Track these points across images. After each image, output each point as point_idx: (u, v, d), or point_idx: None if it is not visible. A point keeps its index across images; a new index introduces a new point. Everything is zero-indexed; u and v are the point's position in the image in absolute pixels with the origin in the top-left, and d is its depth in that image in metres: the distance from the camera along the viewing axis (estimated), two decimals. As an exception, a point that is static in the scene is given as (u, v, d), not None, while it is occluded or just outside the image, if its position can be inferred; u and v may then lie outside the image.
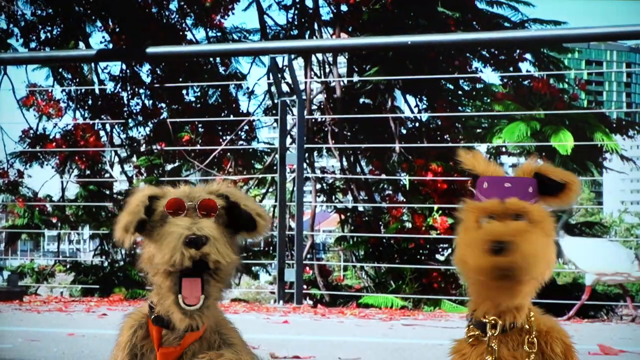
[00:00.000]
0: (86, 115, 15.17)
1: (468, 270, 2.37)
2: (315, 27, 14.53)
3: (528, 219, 2.37)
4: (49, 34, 14.94)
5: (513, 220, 2.36)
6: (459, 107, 14.44)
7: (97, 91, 15.18)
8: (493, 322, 2.42)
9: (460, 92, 14.46)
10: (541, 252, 2.34)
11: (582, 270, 7.72)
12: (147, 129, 15.28)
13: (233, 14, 15.04)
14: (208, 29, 15.17)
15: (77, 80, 15.17)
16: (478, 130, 13.40)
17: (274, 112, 13.77)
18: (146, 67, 15.22)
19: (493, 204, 2.40)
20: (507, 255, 2.28)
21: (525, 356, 2.42)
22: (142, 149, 14.96)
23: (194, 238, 2.34)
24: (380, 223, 13.82)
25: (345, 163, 14.51)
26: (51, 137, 14.53)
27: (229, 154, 14.45)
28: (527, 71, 14.27)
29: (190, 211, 2.46)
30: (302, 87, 12.39)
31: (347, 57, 14.54)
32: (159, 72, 15.19)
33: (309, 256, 13.29)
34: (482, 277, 2.33)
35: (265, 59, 13.37)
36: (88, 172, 14.64)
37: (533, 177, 2.45)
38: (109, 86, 15.29)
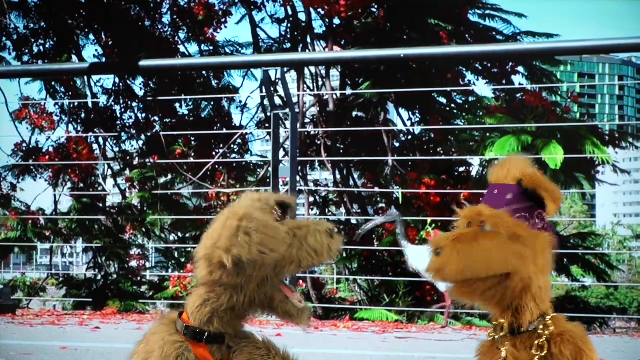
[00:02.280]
0: (79, 128, 15.17)
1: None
2: (308, 40, 14.54)
3: (492, 226, 2.48)
4: (42, 47, 14.94)
5: (477, 226, 2.49)
6: (452, 120, 14.46)
7: (90, 104, 15.18)
8: (498, 324, 2.52)
9: (453, 105, 14.49)
10: (477, 255, 2.44)
11: (427, 277, 7.84)
12: (140, 142, 15.29)
13: (226, 27, 15.08)
14: (201, 43, 15.19)
15: (70, 93, 15.17)
16: (471, 144, 13.41)
17: (266, 125, 13.77)
18: (139, 80, 15.24)
19: (471, 211, 2.56)
20: (438, 258, 2.46)
21: (531, 358, 2.45)
22: (135, 162, 14.95)
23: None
24: (374, 236, 13.81)
25: (338, 176, 14.52)
26: (44, 150, 14.52)
27: (221, 167, 14.45)
28: (520, 84, 14.30)
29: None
30: (295, 100, 12.40)
31: (340, 70, 14.55)
32: (152, 85, 15.20)
33: (302, 269, 13.26)
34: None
35: (258, 72, 13.40)
36: (81, 185, 14.63)
37: (517, 184, 2.50)
38: (102, 99, 15.31)
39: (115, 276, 14.14)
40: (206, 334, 2.51)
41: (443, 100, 14.46)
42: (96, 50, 15.22)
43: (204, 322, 2.52)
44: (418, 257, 7.79)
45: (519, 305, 2.47)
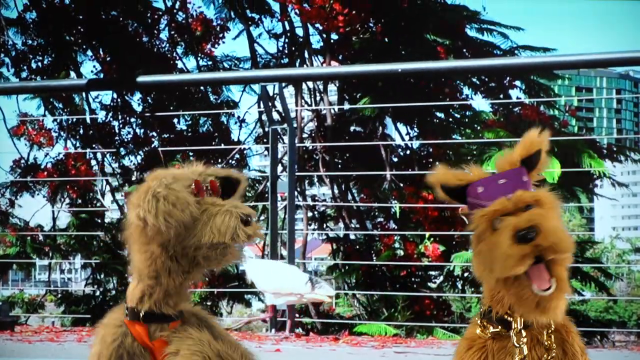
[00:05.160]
0: (77, 144, 15.17)
1: (501, 274, 2.37)
2: (306, 55, 14.57)
3: (539, 206, 2.39)
4: (39, 64, 14.96)
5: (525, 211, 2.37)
6: (450, 135, 14.46)
7: (88, 120, 15.19)
8: (514, 320, 2.48)
9: (451, 120, 14.49)
10: (563, 231, 2.35)
11: (263, 290, 7.91)
12: (139, 157, 15.29)
13: (223, 42, 15.10)
14: (199, 58, 15.20)
15: (69, 109, 15.18)
16: (469, 158, 13.42)
17: (265, 140, 13.77)
18: (137, 96, 15.26)
19: (501, 203, 2.42)
20: (536, 238, 2.30)
21: (545, 352, 2.44)
22: (134, 177, 14.95)
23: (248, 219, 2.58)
24: (372, 251, 13.82)
25: (336, 191, 14.52)
26: (42, 166, 14.52)
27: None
28: (517, 98, 14.31)
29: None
30: (293, 115, 12.42)
31: (337, 85, 14.57)
32: (150, 100, 15.21)
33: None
34: (520, 268, 2.33)
35: (256, 87, 13.49)
36: (79, 201, 14.62)
37: (521, 165, 2.47)
38: (100, 115, 15.32)
39: (114, 292, 14.13)
40: (141, 312, 2.57)
41: (441, 114, 14.47)
42: (94, 66, 15.25)
43: (137, 301, 2.59)
44: (258, 271, 7.81)
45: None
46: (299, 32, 14.59)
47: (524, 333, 2.47)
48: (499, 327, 2.50)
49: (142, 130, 15.29)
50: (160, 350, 2.56)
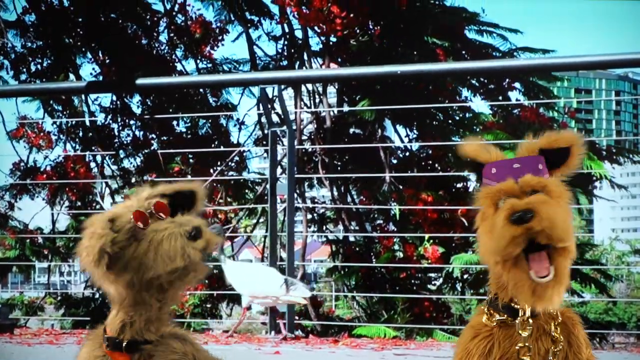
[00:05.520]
0: (77, 146, 15.16)
1: (494, 254, 2.37)
2: (305, 57, 14.56)
3: (545, 193, 2.38)
4: (39, 66, 14.95)
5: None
6: (450, 137, 14.45)
7: (87, 123, 15.19)
8: (522, 309, 2.47)
9: (450, 122, 14.49)
10: (562, 217, 2.33)
11: (240, 293, 7.94)
12: (138, 160, 15.28)
13: (223, 45, 15.11)
14: (198, 60, 15.20)
15: (68, 112, 15.17)
16: (469, 159, 13.39)
17: (264, 142, 13.77)
18: (136, 98, 15.25)
19: (508, 185, 2.42)
20: (530, 221, 2.29)
21: (551, 344, 2.44)
22: (133, 180, 14.95)
23: (196, 231, 2.47)
24: (372, 253, 13.82)
25: (335, 193, 14.51)
26: (41, 169, 14.51)
27: (219, 184, 14.44)
28: (517, 100, 14.30)
29: (153, 217, 2.51)
30: (292, 117, 12.43)
31: (337, 87, 14.57)
32: (149, 103, 15.21)
33: (300, 286, 13.25)
34: (512, 249, 2.32)
35: (255, 90, 13.48)
36: (79, 203, 14.61)
37: (539, 154, 2.47)
38: (100, 118, 15.31)
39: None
40: (124, 342, 2.52)
41: (441, 116, 14.46)
42: (93, 68, 15.23)
43: (118, 330, 2.54)
44: (235, 274, 7.84)
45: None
46: (298, 34, 14.60)
47: (530, 322, 2.46)
48: (505, 315, 2.49)
49: (141, 133, 15.29)
50: None
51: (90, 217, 2.60)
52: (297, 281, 8.07)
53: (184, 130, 15.37)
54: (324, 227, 15.12)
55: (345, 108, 14.61)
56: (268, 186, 8.87)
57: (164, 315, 2.56)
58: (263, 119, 13.97)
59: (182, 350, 2.54)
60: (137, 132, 15.28)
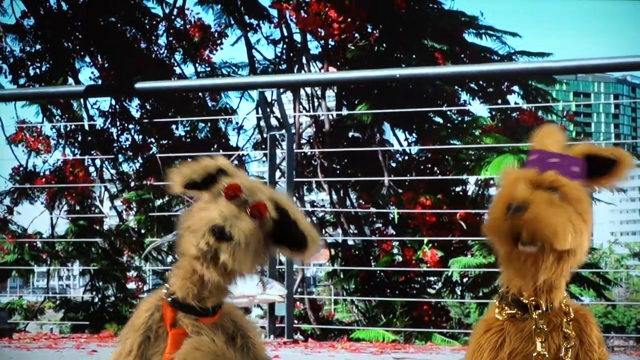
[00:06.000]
0: (76, 151, 15.16)
1: (486, 233, 2.40)
2: (304, 61, 14.57)
3: (561, 195, 2.38)
4: (37, 70, 14.96)
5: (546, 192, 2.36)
6: (449, 140, 14.46)
7: (86, 127, 15.19)
8: (534, 302, 2.45)
9: (449, 125, 14.49)
10: (563, 224, 2.33)
11: None
12: (137, 164, 15.27)
13: (221, 48, 15.11)
14: (197, 64, 15.21)
15: (67, 116, 15.17)
16: (467, 163, 13.42)
17: (263, 146, 13.77)
18: (135, 102, 15.25)
19: (530, 173, 2.41)
20: (522, 216, 2.30)
21: (563, 340, 2.44)
22: (132, 184, 14.95)
23: (221, 228, 2.42)
24: (371, 257, 13.82)
25: (334, 197, 14.52)
26: (41, 173, 14.51)
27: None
28: (515, 103, 14.31)
29: (242, 204, 2.51)
30: (291, 121, 12.43)
31: (335, 90, 14.57)
32: (148, 107, 15.21)
33: (299, 290, 13.26)
34: (496, 238, 2.33)
35: (254, 94, 13.49)
36: (78, 207, 14.61)
37: (582, 159, 2.46)
38: (99, 122, 15.31)
39: (112, 299, 14.12)
40: (171, 298, 2.57)
41: (439, 119, 14.46)
42: (92, 72, 15.25)
43: (172, 285, 2.59)
44: None
45: (554, 283, 2.43)
46: (297, 38, 14.61)
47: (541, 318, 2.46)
48: (515, 309, 2.49)
49: (140, 137, 15.29)
50: (176, 339, 2.55)
51: (220, 157, 2.70)
52: (272, 280, 8.09)
53: (183, 134, 15.37)
54: (323, 231, 15.12)
55: (344, 112, 14.61)
56: (267, 190, 8.85)
57: (219, 288, 2.57)
58: (262, 123, 13.95)
59: (207, 346, 2.53)
60: (136, 136, 15.28)
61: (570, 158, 2.47)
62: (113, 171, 15.32)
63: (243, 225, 2.45)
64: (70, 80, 15.04)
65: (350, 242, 14.35)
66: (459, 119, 14.47)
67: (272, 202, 2.57)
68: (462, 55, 14.11)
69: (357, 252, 14.20)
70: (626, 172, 2.51)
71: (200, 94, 14.90)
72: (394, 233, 13.68)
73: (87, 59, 15.30)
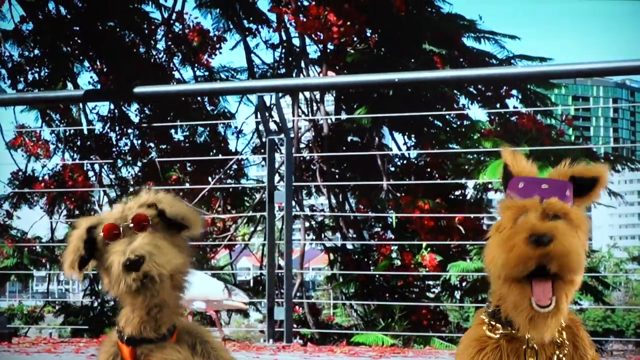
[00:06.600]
0: (75, 155, 15.16)
1: (504, 268, 2.35)
2: (303, 65, 14.58)
3: (566, 221, 2.38)
4: (36, 75, 14.97)
5: (551, 220, 2.36)
6: (447, 144, 14.46)
7: (85, 131, 15.19)
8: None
9: (448, 129, 14.50)
10: (578, 250, 2.34)
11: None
12: (136, 168, 15.28)
13: (220, 53, 15.12)
14: (196, 68, 15.22)
15: (66, 120, 15.18)
16: (466, 167, 13.42)
17: (262, 150, 13.77)
18: (134, 106, 15.26)
19: (533, 202, 2.40)
20: (549, 247, 2.29)
21: (556, 348, 2.44)
22: (131, 188, 14.94)
23: (132, 261, 2.45)
24: (370, 261, 13.82)
25: (333, 201, 14.52)
26: (40, 178, 14.52)
27: (217, 192, 14.45)
28: (514, 107, 14.31)
29: (127, 231, 2.55)
30: (290, 125, 12.44)
31: (334, 94, 14.58)
32: (147, 111, 15.22)
33: (298, 294, 13.27)
34: (521, 269, 2.32)
35: (253, 98, 13.48)
36: (77, 212, 14.61)
37: (569, 180, 2.47)
38: (98, 126, 15.31)
39: (112, 303, 14.11)
40: (125, 336, 2.60)
41: (438, 123, 14.47)
42: (91, 77, 15.27)
43: (122, 324, 2.62)
44: None
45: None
46: (296, 42, 14.61)
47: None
48: (509, 328, 2.49)
49: (139, 141, 15.29)
50: None
51: (79, 220, 2.63)
52: (235, 288, 8.55)
53: (182, 138, 15.38)
54: (322, 235, 15.13)
55: (343, 116, 14.62)
56: (266, 194, 8.86)
57: (161, 316, 2.59)
58: (261, 127, 13.98)
59: (183, 357, 2.58)
60: (135, 141, 15.29)
61: (560, 182, 2.47)
62: (112, 176, 15.33)
63: (139, 242, 2.49)
64: (69, 85, 15.05)
65: (349, 247, 14.36)
66: (458, 123, 14.49)
67: (147, 205, 2.66)
68: (461, 59, 14.12)
69: (356, 257, 14.21)
70: (604, 188, 2.52)
71: (199, 98, 14.91)
72: (393, 237, 13.68)
73: (86, 64, 15.32)
